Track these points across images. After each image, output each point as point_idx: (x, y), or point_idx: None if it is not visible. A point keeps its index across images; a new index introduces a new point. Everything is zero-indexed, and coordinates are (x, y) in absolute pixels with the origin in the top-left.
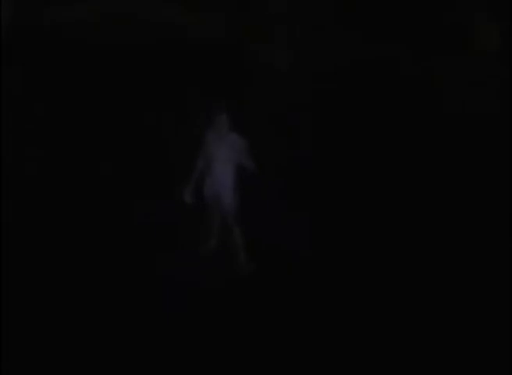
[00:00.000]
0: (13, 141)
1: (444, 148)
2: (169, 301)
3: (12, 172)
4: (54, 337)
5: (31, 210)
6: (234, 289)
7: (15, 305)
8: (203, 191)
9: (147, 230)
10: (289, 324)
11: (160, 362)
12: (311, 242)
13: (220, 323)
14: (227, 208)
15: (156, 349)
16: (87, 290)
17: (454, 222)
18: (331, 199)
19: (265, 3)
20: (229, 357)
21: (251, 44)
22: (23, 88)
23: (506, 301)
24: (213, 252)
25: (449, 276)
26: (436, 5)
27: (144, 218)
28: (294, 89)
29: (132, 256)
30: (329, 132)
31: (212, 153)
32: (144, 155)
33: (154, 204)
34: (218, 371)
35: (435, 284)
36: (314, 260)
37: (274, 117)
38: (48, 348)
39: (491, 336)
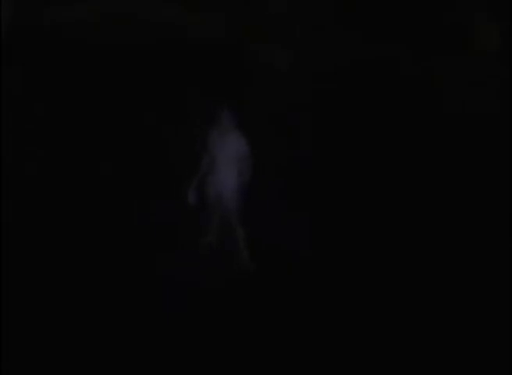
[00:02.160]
0: (13, 140)
1: (444, 147)
2: (169, 301)
3: (12, 172)
4: (54, 337)
5: (31, 210)
6: (234, 289)
7: (15, 305)
8: (205, 191)
9: (147, 230)
10: (289, 324)
11: (160, 361)
12: (311, 242)
13: (220, 323)
14: (230, 207)
15: (156, 349)
16: (87, 289)
17: (454, 222)
18: (331, 199)
19: (265, 3)
20: (229, 357)
21: (251, 44)
22: (23, 88)
23: (506, 301)
24: (212, 251)
25: (449, 276)
26: (436, 5)
27: (145, 218)
28: (294, 89)
29: (132, 256)
30: (329, 132)
31: (214, 153)
32: (144, 155)
33: (155, 204)
34: (218, 371)
35: (436, 283)
36: (315, 260)
37: (274, 117)
38: (48, 347)
39: (491, 336)
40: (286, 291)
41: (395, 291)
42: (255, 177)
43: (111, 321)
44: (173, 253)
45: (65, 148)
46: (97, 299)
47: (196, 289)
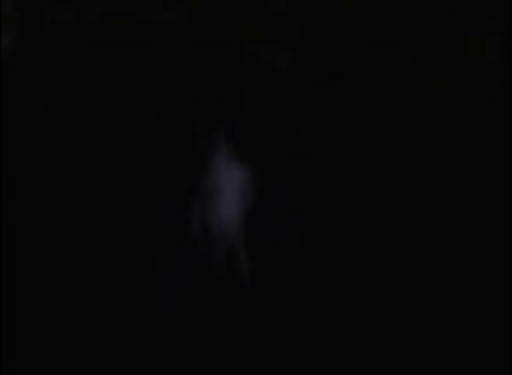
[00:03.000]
0: (13, 140)
1: (444, 148)
2: (169, 301)
3: (12, 172)
4: (53, 337)
5: (31, 210)
6: (234, 289)
7: (14, 305)
8: (204, 191)
9: (147, 230)
10: (289, 324)
11: (160, 361)
12: (312, 242)
13: (220, 323)
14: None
15: (156, 349)
16: (86, 289)
17: (454, 223)
18: (331, 199)
19: (265, 3)
20: (230, 357)
21: (251, 44)
22: (23, 88)
23: (506, 301)
24: (212, 251)
25: (449, 277)
26: (436, 5)
27: (145, 218)
28: (294, 89)
29: (132, 256)
30: (329, 132)
31: (213, 154)
32: (145, 155)
33: (155, 204)
34: (218, 371)
35: (436, 283)
36: (315, 260)
37: (274, 117)
38: (48, 347)
39: (491, 336)
40: (286, 291)
41: (396, 292)
42: (255, 178)
43: (110, 321)
44: (173, 253)
45: (65, 148)
46: (96, 299)
47: (196, 289)
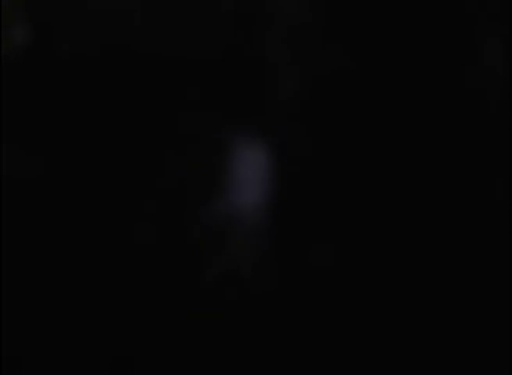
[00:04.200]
0: (13, 142)
1: (444, 148)
2: (170, 300)
3: (11, 173)
4: (53, 337)
5: (31, 210)
6: (235, 289)
7: (14, 307)
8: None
9: (165, 223)
10: (290, 325)
11: (160, 362)
12: (329, 236)
13: (220, 324)
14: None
15: (156, 349)
16: (86, 290)
17: (455, 223)
18: (331, 200)
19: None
20: (230, 357)
21: (253, 44)
22: (24, 88)
23: (506, 301)
24: (233, 243)
25: (450, 278)
26: (436, 6)
27: (163, 209)
28: (294, 89)
29: (132, 256)
30: (329, 132)
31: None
32: (146, 158)
33: (177, 194)
34: (218, 372)
35: (437, 285)
36: (330, 253)
37: (292, 111)
38: (48, 347)
39: (491, 336)
40: (286, 291)
41: (395, 292)
42: (278, 170)
43: (110, 321)
44: (193, 243)
45: (66, 147)
46: (96, 299)
47: (216, 282)
